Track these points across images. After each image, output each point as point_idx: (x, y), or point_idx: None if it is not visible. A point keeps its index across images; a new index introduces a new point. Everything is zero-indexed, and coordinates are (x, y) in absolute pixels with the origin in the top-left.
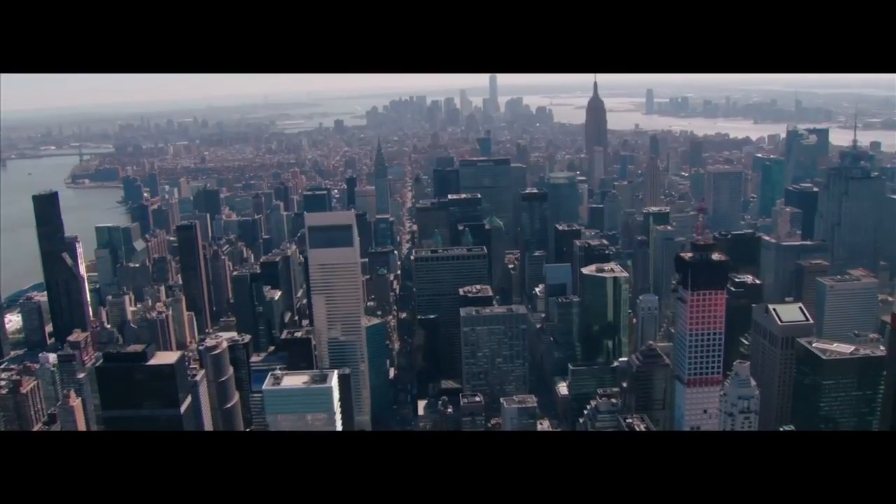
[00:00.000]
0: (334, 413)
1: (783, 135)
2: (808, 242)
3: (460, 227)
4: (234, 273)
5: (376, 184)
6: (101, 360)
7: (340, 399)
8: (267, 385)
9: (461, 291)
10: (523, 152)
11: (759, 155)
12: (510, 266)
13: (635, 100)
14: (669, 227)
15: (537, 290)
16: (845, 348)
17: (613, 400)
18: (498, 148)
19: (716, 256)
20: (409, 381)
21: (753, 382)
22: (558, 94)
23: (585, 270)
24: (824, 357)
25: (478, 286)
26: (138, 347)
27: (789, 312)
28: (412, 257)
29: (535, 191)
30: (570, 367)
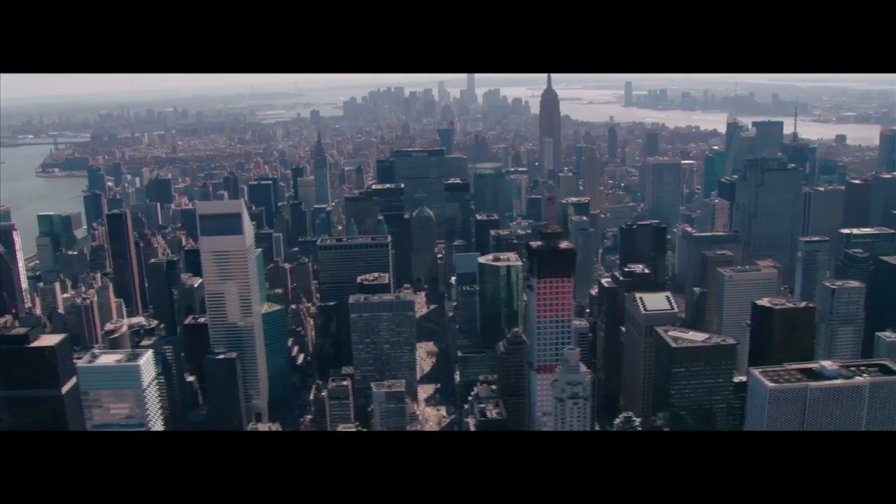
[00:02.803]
0: (143, 390)
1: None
2: (721, 233)
3: (379, 217)
4: (151, 261)
5: (316, 174)
6: None
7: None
8: (82, 363)
9: (358, 279)
10: (482, 144)
11: (716, 147)
12: (439, 256)
13: (617, 92)
14: (585, 217)
15: (453, 279)
16: (698, 337)
17: (493, 386)
18: (465, 139)
19: (563, 245)
20: (314, 367)
21: (584, 368)
22: (541, 86)
23: (481, 259)
24: (674, 345)
25: (376, 274)
26: (21, 330)
27: (656, 301)
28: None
29: (458, 181)
30: (459, 354)
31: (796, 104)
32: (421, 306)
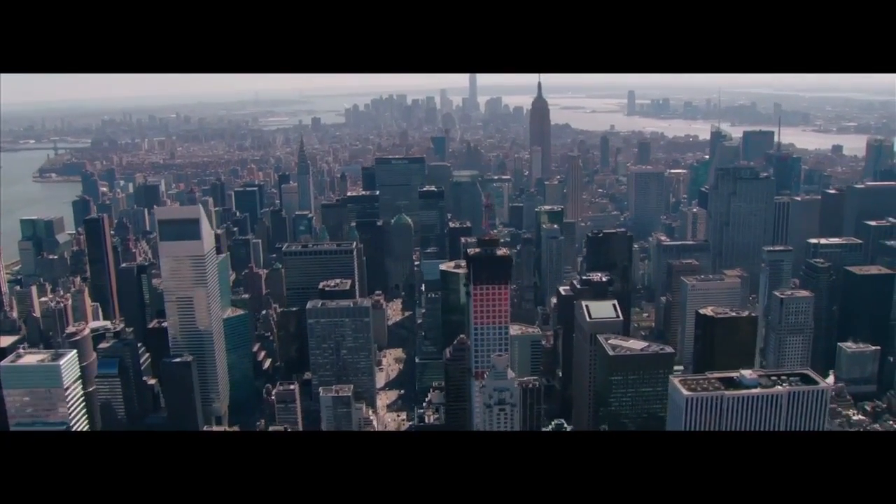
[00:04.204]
0: (64, 388)
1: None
2: (690, 242)
3: (352, 224)
4: (123, 265)
5: (299, 181)
6: None
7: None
8: (5, 362)
9: (320, 285)
10: (474, 152)
11: (706, 157)
12: (416, 263)
13: (620, 101)
14: (556, 226)
15: (423, 286)
16: (637, 345)
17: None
18: (461, 147)
19: (500, 252)
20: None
21: (512, 375)
22: (547, 95)
23: (443, 266)
24: (611, 353)
25: (338, 280)
26: None
27: (601, 309)
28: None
29: (434, 189)
30: (417, 360)
31: (779, 115)
32: (396, 313)
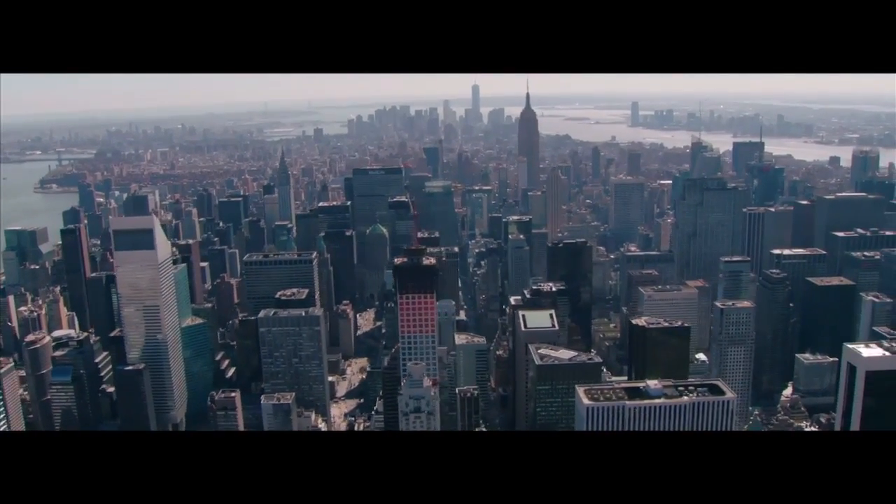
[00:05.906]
0: None
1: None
2: (654, 253)
3: (321, 234)
4: (91, 275)
5: (279, 191)
6: None
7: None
8: None
9: (277, 294)
10: (466, 162)
11: None
12: None
13: (625, 112)
14: (522, 236)
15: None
16: (566, 354)
17: None
18: (455, 158)
19: (426, 262)
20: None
21: (428, 383)
22: (554, 106)
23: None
24: (539, 363)
25: (296, 289)
26: None
27: (538, 319)
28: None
29: (404, 199)
30: (368, 369)
31: (761, 125)
32: (368, 322)
